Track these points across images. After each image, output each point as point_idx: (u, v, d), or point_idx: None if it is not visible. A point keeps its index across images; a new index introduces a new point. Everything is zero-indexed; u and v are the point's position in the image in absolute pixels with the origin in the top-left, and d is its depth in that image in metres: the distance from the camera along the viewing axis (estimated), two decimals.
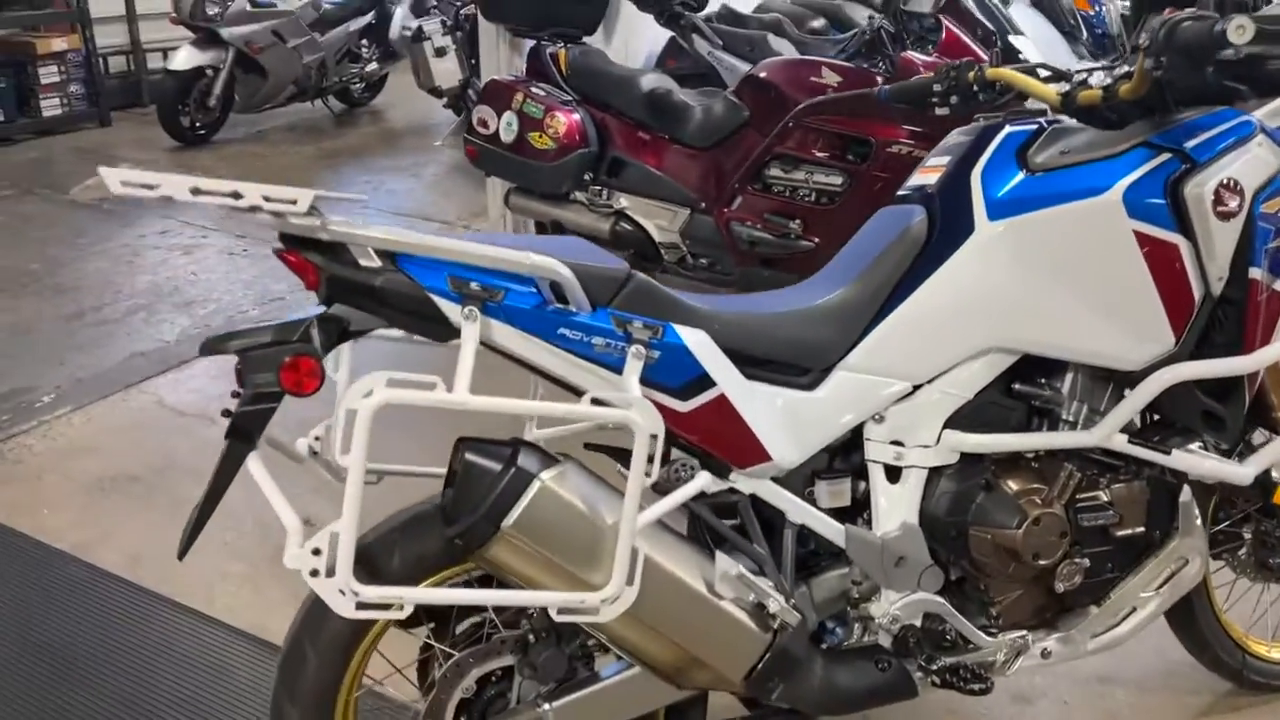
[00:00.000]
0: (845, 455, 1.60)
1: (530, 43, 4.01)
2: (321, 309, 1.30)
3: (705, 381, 1.40)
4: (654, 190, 3.62)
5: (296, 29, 6.65)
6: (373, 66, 7.38)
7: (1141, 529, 1.65)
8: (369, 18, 7.22)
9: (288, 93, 6.79)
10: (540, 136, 3.66)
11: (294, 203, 1.17)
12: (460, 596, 1.30)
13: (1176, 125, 1.54)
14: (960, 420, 1.58)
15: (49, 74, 6.81)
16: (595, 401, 1.30)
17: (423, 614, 1.50)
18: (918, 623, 1.61)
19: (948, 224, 1.56)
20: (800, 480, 1.56)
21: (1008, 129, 1.62)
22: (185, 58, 6.31)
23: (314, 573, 1.19)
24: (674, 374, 1.39)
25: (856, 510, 1.60)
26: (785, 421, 1.50)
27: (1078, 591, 1.66)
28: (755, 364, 1.49)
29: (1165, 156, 1.52)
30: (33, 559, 2.50)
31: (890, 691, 1.58)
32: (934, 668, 1.58)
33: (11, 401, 3.30)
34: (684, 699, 1.52)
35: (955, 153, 1.64)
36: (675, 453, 1.48)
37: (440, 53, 5.54)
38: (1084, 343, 1.55)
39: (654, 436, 1.29)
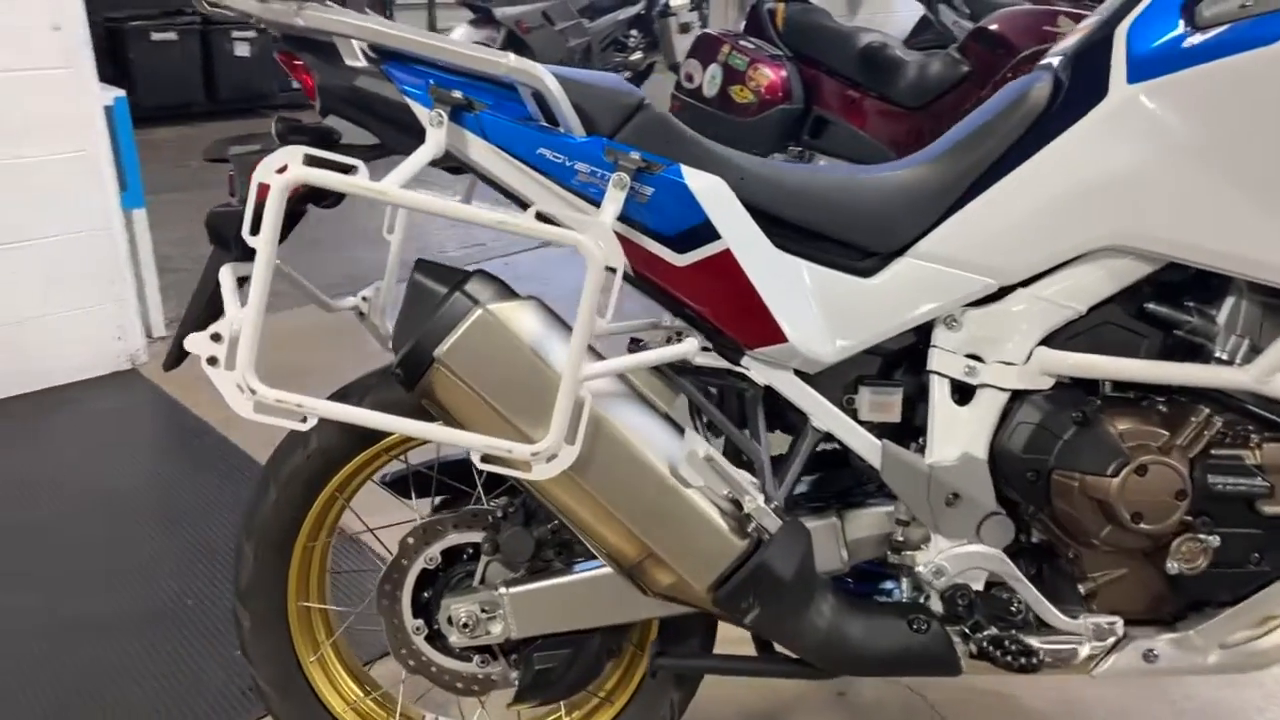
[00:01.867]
0: (908, 366, 1.30)
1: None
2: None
3: (707, 232, 1.18)
4: (856, 152, 3.35)
5: (565, 13, 6.87)
6: (637, 55, 7.48)
7: None
8: (638, 7, 7.33)
9: None
10: (742, 90, 3.50)
11: None
12: (363, 416, 1.14)
13: None
14: (1066, 340, 1.24)
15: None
16: (542, 218, 1.11)
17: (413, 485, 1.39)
18: (974, 584, 1.29)
19: (1075, 88, 1.23)
20: (840, 384, 1.29)
21: None
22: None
23: (212, 361, 1.09)
24: (669, 218, 1.17)
25: (912, 436, 1.30)
26: (821, 305, 1.24)
27: (1207, 582, 1.25)
28: (795, 233, 1.24)
29: None
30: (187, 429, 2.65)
31: (920, 661, 1.27)
32: (979, 635, 1.25)
33: None
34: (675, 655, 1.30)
35: (1106, 10, 1.30)
36: (678, 323, 1.27)
37: (685, 28, 5.49)
38: (1245, 247, 1.17)
39: (611, 270, 1.09)
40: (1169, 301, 1.24)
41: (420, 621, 1.36)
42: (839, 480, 1.37)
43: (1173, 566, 1.24)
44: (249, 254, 1.19)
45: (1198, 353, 1.24)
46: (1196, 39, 1.17)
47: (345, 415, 1.13)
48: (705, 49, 3.65)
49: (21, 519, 2.26)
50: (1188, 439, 1.22)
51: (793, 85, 3.46)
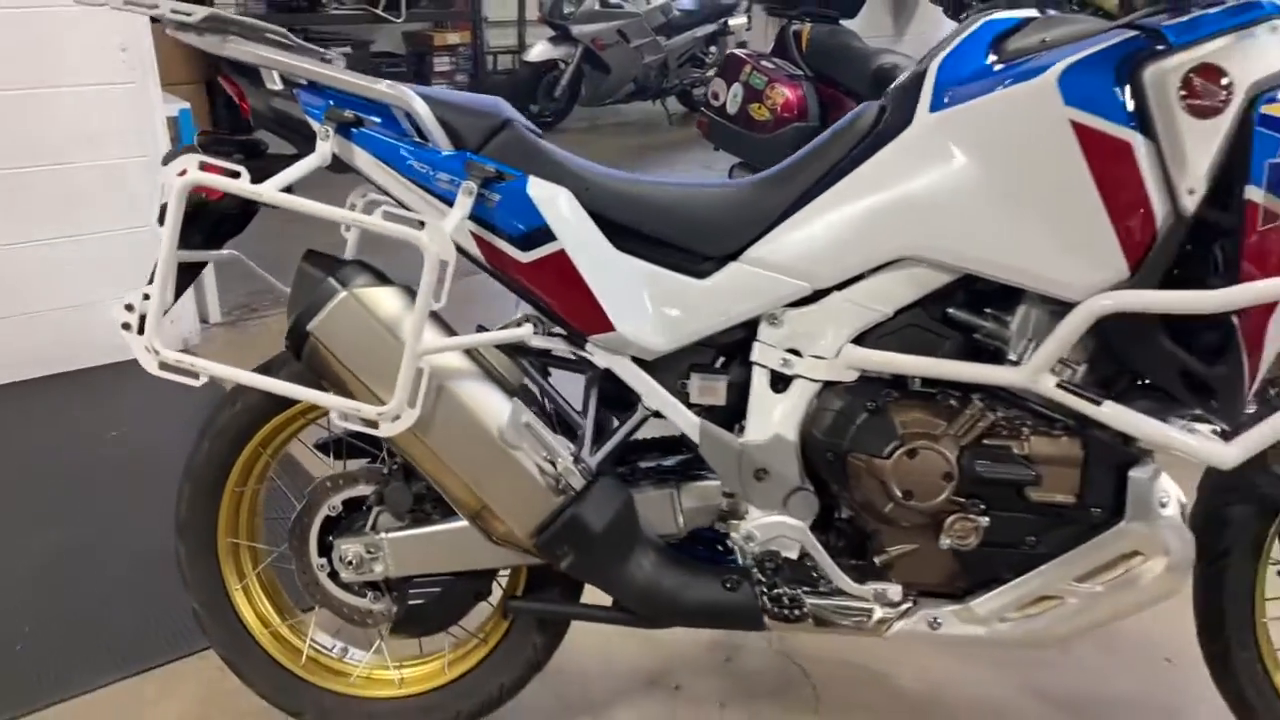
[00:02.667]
0: (738, 357, 1.48)
1: None
2: None
3: (546, 234, 1.38)
4: None
5: (640, 30, 7.13)
6: (713, 72, 7.68)
7: (1073, 500, 1.35)
8: (714, 26, 7.54)
9: (628, 89, 7.30)
10: (759, 108, 3.67)
11: (189, 15, 1.36)
12: (244, 376, 1.38)
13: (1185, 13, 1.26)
14: (877, 340, 1.40)
15: (441, 63, 7.92)
16: (391, 218, 1.34)
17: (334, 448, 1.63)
18: (786, 552, 1.45)
19: (892, 116, 1.39)
20: (675, 370, 1.47)
21: (987, 17, 1.42)
22: (539, 51, 7.04)
23: (125, 326, 1.35)
24: (514, 221, 1.38)
25: (738, 419, 1.47)
26: (659, 302, 1.43)
27: (985, 560, 1.39)
28: (638, 238, 1.44)
29: (1129, 34, 1.25)
30: None
31: (727, 615, 1.44)
32: (775, 594, 1.41)
33: (274, 294, 3.92)
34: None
35: (936, 45, 1.46)
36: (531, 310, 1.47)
37: (742, 46, 5.67)
38: (1015, 259, 1.31)
39: (444, 262, 1.31)
40: (969, 307, 1.39)
41: (323, 560, 1.60)
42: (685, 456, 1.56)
43: (945, 542, 1.38)
44: (201, 243, 1.46)
45: (999, 355, 1.38)
46: (990, 75, 1.32)
47: (229, 375, 1.37)
48: (730, 69, 3.85)
49: (101, 461, 2.62)
50: (961, 429, 1.36)
51: (809, 104, 3.61)
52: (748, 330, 1.45)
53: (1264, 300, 1.22)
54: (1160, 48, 1.22)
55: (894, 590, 1.42)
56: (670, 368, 1.47)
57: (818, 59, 3.73)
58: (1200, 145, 1.21)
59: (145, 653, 1.94)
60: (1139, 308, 1.25)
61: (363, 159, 1.40)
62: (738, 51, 3.90)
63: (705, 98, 3.91)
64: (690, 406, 1.46)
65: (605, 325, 1.40)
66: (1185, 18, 1.23)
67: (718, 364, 1.48)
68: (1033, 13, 1.43)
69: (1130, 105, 1.22)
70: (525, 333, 1.42)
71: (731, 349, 1.47)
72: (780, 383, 1.43)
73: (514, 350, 1.46)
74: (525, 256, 1.39)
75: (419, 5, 7.90)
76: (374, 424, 1.35)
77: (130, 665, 1.91)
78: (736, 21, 5.78)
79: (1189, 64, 1.20)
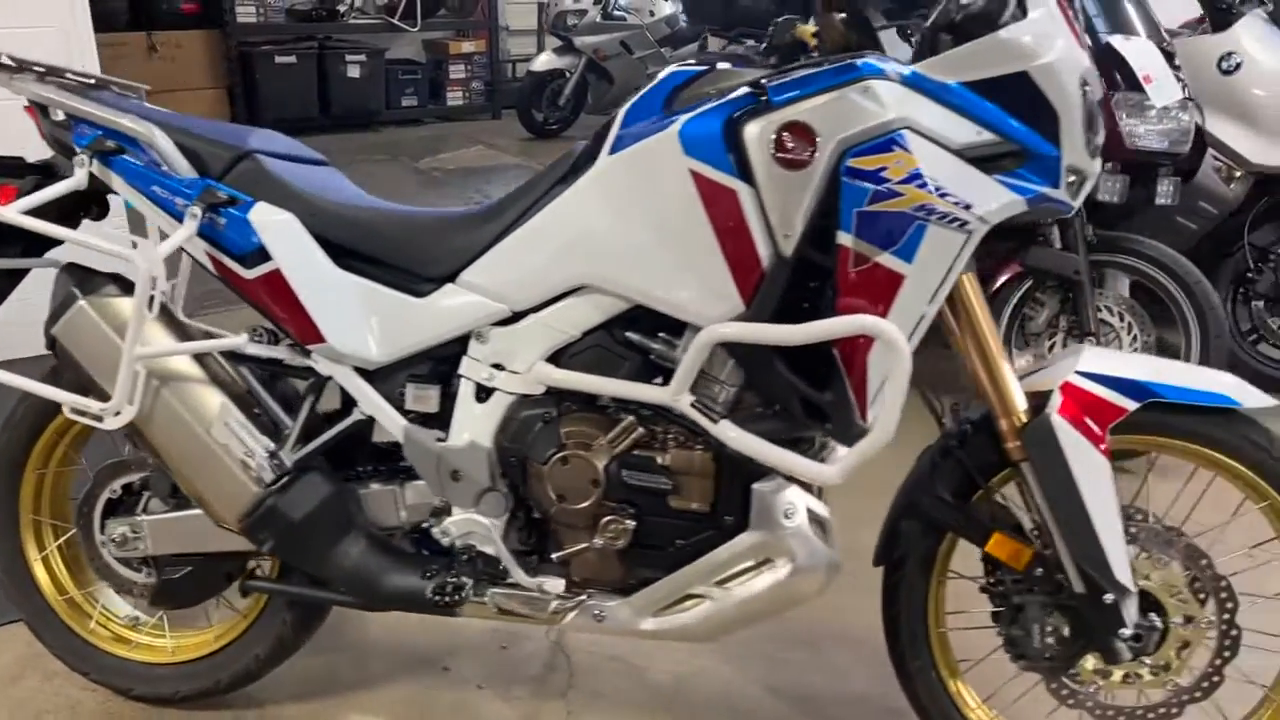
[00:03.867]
0: (454, 370, 1.64)
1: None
2: None
3: (264, 254, 1.56)
4: None
5: (643, 41, 7.29)
6: None
7: (708, 509, 1.48)
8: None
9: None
10: None
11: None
12: (4, 377, 1.59)
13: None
14: (569, 359, 1.55)
15: (457, 70, 8.19)
16: (109, 238, 1.53)
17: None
18: (478, 545, 1.60)
19: (588, 155, 1.54)
20: (394, 379, 1.63)
21: (675, 67, 1.56)
22: (544, 60, 7.26)
23: None
24: (238, 242, 1.56)
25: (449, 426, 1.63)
26: (375, 317, 1.59)
27: (640, 558, 1.54)
28: (361, 259, 1.61)
29: (742, 91, 1.38)
30: None
31: (419, 601, 1.60)
32: (457, 583, 1.57)
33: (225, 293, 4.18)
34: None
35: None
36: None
37: None
38: (660, 291, 1.45)
39: (155, 278, 1.49)
40: (646, 331, 1.52)
41: (104, 537, 1.80)
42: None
43: (599, 541, 1.52)
44: (20, 253, 1.67)
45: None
46: (655, 123, 1.46)
47: None
48: None
49: None
50: (615, 440, 1.50)
51: None
52: (462, 345, 1.60)
53: (839, 335, 1.34)
54: (763, 102, 1.35)
55: (558, 583, 1.57)
56: (390, 377, 1.63)
57: None
58: (792, 194, 1.34)
59: None
60: (743, 338, 1.38)
61: (119, 183, 1.60)
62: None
63: None
64: (407, 413, 1.62)
65: (318, 337, 1.58)
66: (788, 78, 1.36)
67: (433, 375, 1.64)
68: (724, 65, 1.56)
69: (735, 157, 1.35)
70: (239, 341, 1.60)
71: (447, 362, 1.63)
72: (484, 394, 1.59)
73: (239, 358, 1.64)
74: (248, 274, 1.58)
75: (437, 14, 8.17)
76: (99, 418, 1.55)
77: None
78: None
79: (780, 121, 1.33)
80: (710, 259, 1.39)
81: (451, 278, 1.59)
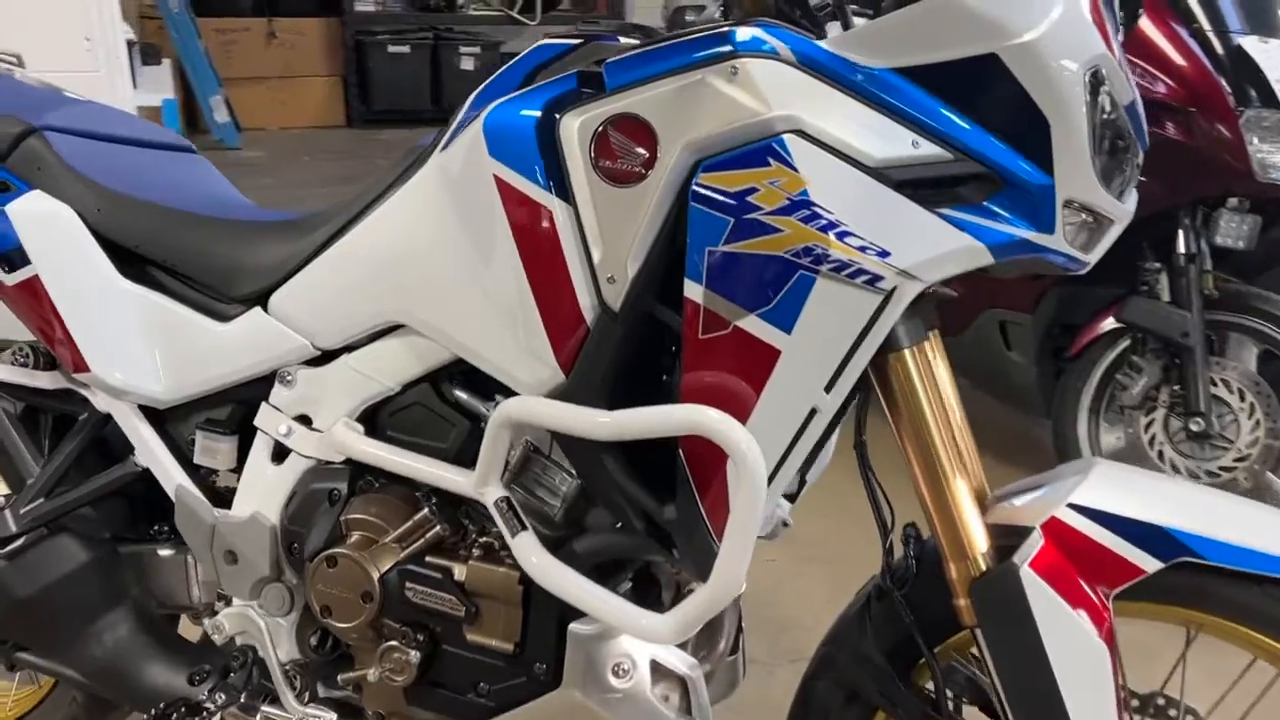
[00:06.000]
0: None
1: None
2: None
3: (25, 256, 1.24)
4: None
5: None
6: None
7: (512, 649, 1.06)
8: None
9: None
10: None
11: None
12: None
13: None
14: (385, 417, 1.17)
15: None
16: None
17: None
18: (258, 649, 1.23)
19: (429, 149, 1.16)
20: (189, 425, 1.30)
21: (544, 40, 1.15)
22: None
23: None
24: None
25: None
26: (165, 344, 1.26)
27: (442, 702, 1.12)
28: (157, 269, 1.28)
29: (572, 71, 0.96)
30: None
31: (171, 713, 1.24)
32: (215, 698, 1.20)
33: None
34: None
35: None
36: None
37: None
38: (472, 341, 1.05)
39: None
40: (479, 391, 1.13)
41: None
42: None
43: (374, 675, 1.12)
44: None
45: None
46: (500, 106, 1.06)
47: None
48: None
49: None
50: (400, 539, 1.10)
51: None
52: (269, 388, 1.24)
53: (666, 431, 0.90)
54: (589, 91, 0.93)
55: (325, 714, 1.17)
56: (185, 420, 1.29)
57: None
58: (619, 221, 0.91)
59: None
60: (538, 421, 0.96)
61: None
62: None
63: None
64: (196, 469, 1.28)
65: (82, 364, 1.25)
66: (631, 53, 0.93)
67: (232, 423, 1.28)
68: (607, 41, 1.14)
69: (549, 163, 0.94)
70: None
71: (254, 408, 1.27)
72: (281, 455, 1.22)
73: None
74: (9, 279, 1.26)
75: (557, 8, 7.94)
76: None
77: None
78: None
79: (605, 115, 0.91)
80: (522, 303, 0.98)
81: (262, 300, 1.23)
